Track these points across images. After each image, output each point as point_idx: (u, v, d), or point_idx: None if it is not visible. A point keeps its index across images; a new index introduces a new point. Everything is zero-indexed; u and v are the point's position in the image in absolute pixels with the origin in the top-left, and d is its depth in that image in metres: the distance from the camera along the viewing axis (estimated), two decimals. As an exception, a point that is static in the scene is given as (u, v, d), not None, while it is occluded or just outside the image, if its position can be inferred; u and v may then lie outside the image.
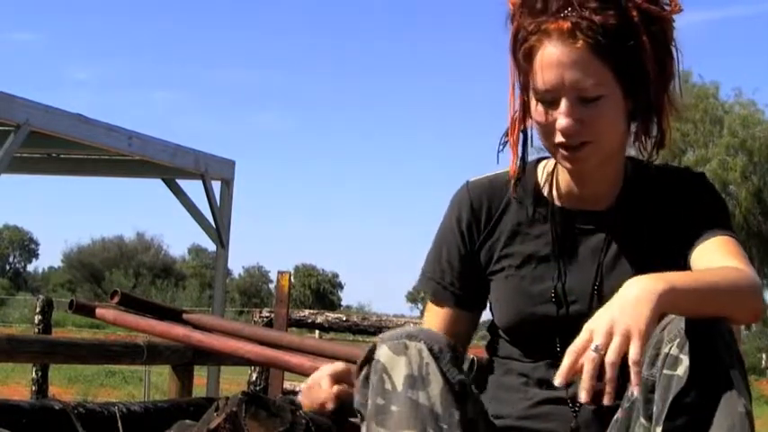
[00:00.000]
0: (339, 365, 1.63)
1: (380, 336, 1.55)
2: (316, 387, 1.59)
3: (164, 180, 10.67)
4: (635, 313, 1.37)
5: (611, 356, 1.34)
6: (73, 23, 77.10)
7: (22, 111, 8.14)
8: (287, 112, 79.92)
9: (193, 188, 10.58)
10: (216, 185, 10.44)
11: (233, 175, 10.65)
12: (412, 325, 1.60)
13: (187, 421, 1.71)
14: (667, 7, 1.62)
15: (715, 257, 1.59)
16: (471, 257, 1.76)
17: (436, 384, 1.47)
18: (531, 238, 1.73)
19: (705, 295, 1.45)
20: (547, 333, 1.68)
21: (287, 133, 78.29)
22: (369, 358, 1.53)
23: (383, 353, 1.50)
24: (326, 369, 1.62)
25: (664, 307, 1.40)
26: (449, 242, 1.78)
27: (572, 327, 1.66)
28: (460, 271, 1.76)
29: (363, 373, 1.54)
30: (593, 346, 1.35)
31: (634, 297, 1.39)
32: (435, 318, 1.78)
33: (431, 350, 1.49)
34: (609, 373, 1.34)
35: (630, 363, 1.34)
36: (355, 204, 79.13)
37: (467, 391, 1.53)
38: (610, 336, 1.36)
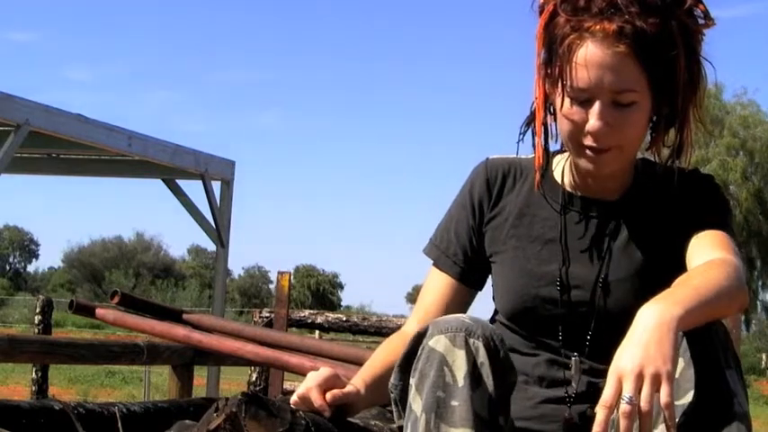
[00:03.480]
0: (323, 373, 1.59)
1: (433, 322, 1.52)
2: (307, 401, 1.57)
3: (164, 180, 10.68)
4: (660, 353, 1.36)
5: (644, 406, 1.34)
6: (72, 23, 77.17)
7: (22, 111, 8.15)
8: (287, 112, 79.99)
9: (193, 188, 10.60)
10: (216, 185, 10.45)
11: (233, 175, 10.66)
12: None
13: (187, 421, 1.70)
14: (702, 21, 1.63)
15: (704, 251, 1.59)
16: (478, 232, 1.78)
17: (487, 387, 1.47)
18: (539, 221, 1.73)
19: (709, 306, 1.45)
20: (549, 318, 1.69)
21: (287, 133, 78.37)
22: (417, 343, 1.51)
23: (441, 343, 1.47)
24: (312, 380, 1.58)
25: (680, 331, 1.40)
26: (459, 214, 1.80)
27: (574, 313, 1.67)
28: (465, 244, 1.78)
29: (406, 353, 1.52)
30: (625, 398, 1.34)
31: (656, 334, 1.37)
32: (434, 284, 1.80)
33: (487, 348, 1.48)
34: (645, 424, 1.34)
35: (663, 406, 1.34)
36: (356, 204, 79.19)
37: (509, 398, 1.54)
38: (639, 381, 1.35)
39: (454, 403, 1.44)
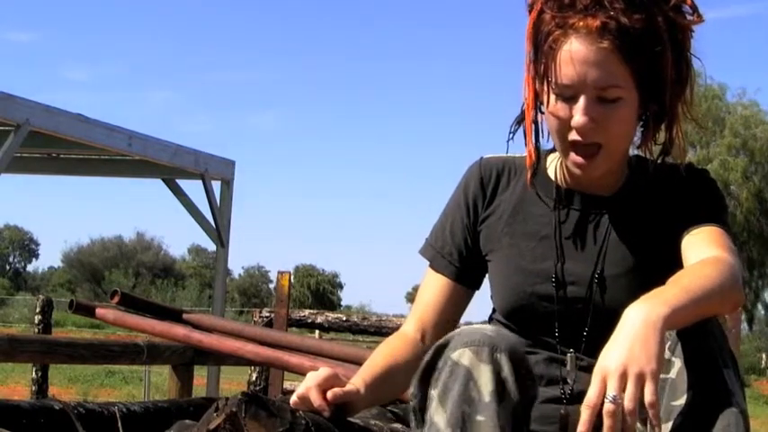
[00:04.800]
0: (323, 373, 1.58)
1: (456, 334, 1.50)
2: (307, 400, 1.56)
3: (164, 180, 10.68)
4: (645, 352, 1.36)
5: (629, 405, 1.33)
6: (72, 23, 77.19)
7: (22, 111, 8.16)
8: (287, 112, 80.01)
9: (193, 188, 10.61)
10: (216, 185, 10.46)
11: (233, 175, 10.67)
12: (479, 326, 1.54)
13: (187, 421, 1.70)
14: (690, 17, 1.63)
15: (701, 249, 1.59)
16: (473, 231, 1.78)
17: (511, 401, 1.45)
18: (533, 218, 1.73)
19: (698, 305, 1.45)
20: (545, 315, 1.68)
21: (287, 133, 78.39)
22: (438, 354, 1.49)
23: (465, 356, 1.45)
24: (312, 380, 1.57)
25: (666, 330, 1.40)
26: (454, 213, 1.80)
27: (570, 310, 1.67)
28: (461, 244, 1.78)
29: (427, 363, 1.51)
30: (609, 397, 1.34)
31: (641, 333, 1.37)
32: (431, 284, 1.80)
33: (512, 362, 1.46)
34: (630, 421, 1.33)
35: (647, 405, 1.34)
36: (356, 204, 79.21)
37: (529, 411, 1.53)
38: (623, 380, 1.35)
39: (480, 418, 1.43)
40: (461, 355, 1.46)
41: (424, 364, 1.52)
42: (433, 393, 1.48)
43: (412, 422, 1.57)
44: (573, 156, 1.63)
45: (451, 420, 1.44)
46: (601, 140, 1.61)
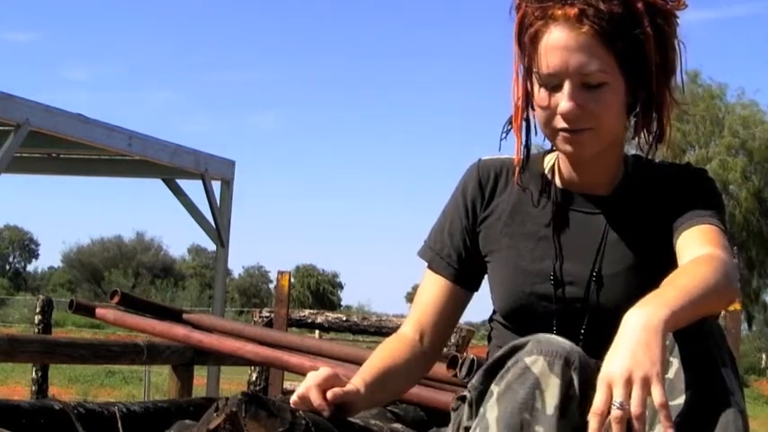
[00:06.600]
0: (323, 372, 1.58)
1: (536, 339, 1.48)
2: (307, 400, 1.56)
3: (164, 180, 10.68)
4: (648, 356, 1.36)
5: (636, 410, 1.33)
6: (71, 23, 77.18)
7: (22, 111, 8.16)
8: (287, 112, 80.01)
9: (193, 188, 10.61)
10: (216, 185, 10.46)
11: (233, 175, 10.67)
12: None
13: (187, 421, 1.71)
14: (672, 2, 1.64)
15: (695, 247, 1.59)
16: (472, 233, 1.78)
17: (573, 420, 1.44)
18: (532, 219, 1.74)
19: (695, 305, 1.45)
20: (544, 314, 1.68)
21: (287, 133, 78.40)
22: (511, 352, 1.49)
23: (538, 364, 1.45)
24: (312, 379, 1.57)
25: (667, 332, 1.40)
26: (452, 215, 1.80)
27: (568, 309, 1.67)
28: (459, 245, 1.78)
29: (497, 359, 1.50)
30: (616, 403, 1.34)
31: (643, 338, 1.37)
32: (429, 286, 1.80)
33: (581, 381, 1.45)
34: (637, 426, 1.33)
35: (658, 406, 1.34)
36: (356, 204, 79.21)
37: None
38: (629, 386, 1.34)
39: (538, 429, 1.43)
40: (534, 362, 1.45)
41: (495, 359, 1.52)
42: (494, 389, 1.48)
43: (464, 413, 1.56)
44: (562, 134, 1.63)
45: (510, 423, 1.43)
46: (588, 126, 1.62)
